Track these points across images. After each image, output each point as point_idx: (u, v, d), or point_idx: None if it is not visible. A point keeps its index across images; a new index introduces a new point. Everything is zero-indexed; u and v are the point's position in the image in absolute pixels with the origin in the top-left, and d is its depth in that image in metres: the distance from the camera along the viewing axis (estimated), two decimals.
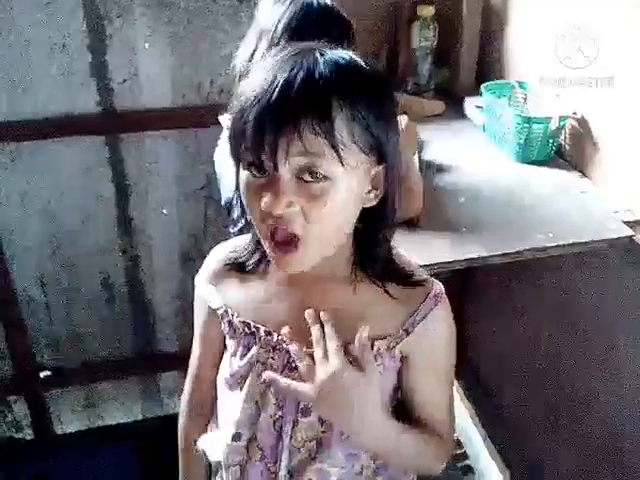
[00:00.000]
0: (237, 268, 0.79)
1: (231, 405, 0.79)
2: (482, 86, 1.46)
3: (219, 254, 0.82)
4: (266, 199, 0.62)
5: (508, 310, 1.70)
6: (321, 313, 0.70)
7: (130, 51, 1.57)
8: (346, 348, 0.70)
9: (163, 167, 1.74)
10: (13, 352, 1.85)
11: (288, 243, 0.65)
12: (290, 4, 1.03)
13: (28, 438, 2.00)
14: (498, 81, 1.51)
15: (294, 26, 1.01)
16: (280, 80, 0.59)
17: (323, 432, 0.75)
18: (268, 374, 0.71)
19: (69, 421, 2.04)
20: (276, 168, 0.61)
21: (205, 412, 0.88)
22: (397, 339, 0.74)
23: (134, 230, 1.80)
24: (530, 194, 1.28)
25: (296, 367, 0.71)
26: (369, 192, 0.68)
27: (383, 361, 0.74)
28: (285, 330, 0.71)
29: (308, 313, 0.70)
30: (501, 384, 1.80)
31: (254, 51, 1.06)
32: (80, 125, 1.62)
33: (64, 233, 1.76)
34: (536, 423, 1.62)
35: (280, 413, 0.76)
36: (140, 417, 2.09)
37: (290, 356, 0.73)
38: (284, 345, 0.73)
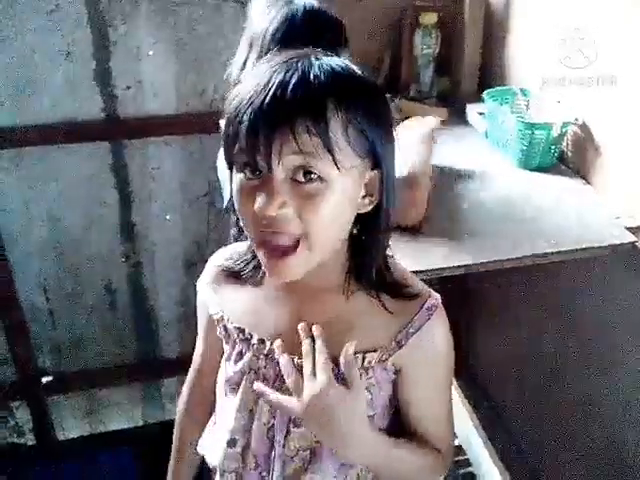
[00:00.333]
0: (234, 275, 0.79)
1: (227, 410, 0.79)
2: (484, 93, 1.47)
3: (218, 260, 0.83)
4: (260, 199, 0.61)
5: (509, 316, 1.69)
6: (313, 327, 0.70)
7: (134, 58, 1.58)
8: (337, 360, 0.70)
9: (166, 173, 1.75)
10: (15, 357, 1.85)
11: (284, 248, 0.64)
12: (280, 9, 1.03)
13: (30, 443, 2.00)
14: (500, 87, 1.52)
15: (282, 33, 1.01)
16: (275, 82, 0.60)
17: (317, 442, 0.75)
18: (258, 386, 0.71)
19: (71, 426, 2.04)
20: (270, 168, 0.61)
21: (203, 411, 0.88)
22: (389, 351, 0.72)
23: (137, 236, 1.81)
24: (532, 200, 1.28)
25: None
26: (364, 197, 0.67)
27: (374, 374, 0.73)
28: (278, 343, 0.71)
29: (301, 327, 0.70)
30: (502, 390, 1.79)
31: (246, 59, 1.06)
32: (84, 131, 1.63)
33: (67, 239, 1.76)
34: (537, 429, 1.61)
35: (273, 421, 0.76)
36: (141, 423, 2.09)
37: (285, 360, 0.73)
38: (276, 354, 0.73)
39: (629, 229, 1.16)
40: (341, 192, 0.63)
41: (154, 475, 1.79)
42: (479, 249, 1.12)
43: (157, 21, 1.56)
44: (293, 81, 0.59)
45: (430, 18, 1.61)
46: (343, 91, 0.62)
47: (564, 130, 1.34)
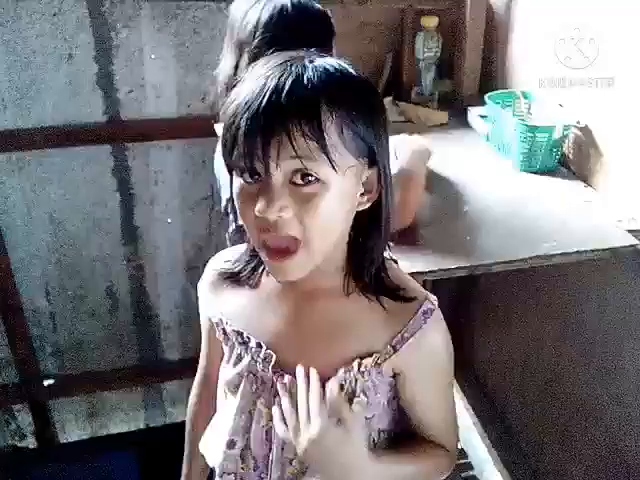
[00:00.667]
0: (233, 278, 0.79)
1: (226, 412, 0.80)
2: (486, 96, 1.47)
3: (217, 263, 0.83)
4: (259, 204, 0.62)
5: (512, 318, 1.69)
6: (310, 370, 0.71)
7: (136, 61, 1.59)
8: (334, 367, 0.71)
9: (168, 177, 1.75)
10: (17, 360, 1.86)
11: (285, 249, 0.64)
12: (262, 9, 1.02)
13: (32, 446, 2.00)
14: (501, 90, 1.52)
15: (275, 25, 1.00)
16: (270, 86, 0.60)
17: None
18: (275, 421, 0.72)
19: (73, 429, 2.04)
20: (268, 173, 0.62)
21: (211, 412, 0.88)
22: (385, 356, 0.72)
23: (139, 239, 1.81)
24: (534, 203, 1.28)
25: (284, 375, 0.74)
26: (362, 195, 0.68)
27: (370, 377, 0.73)
28: (273, 361, 0.74)
29: (298, 370, 0.71)
30: (503, 393, 1.79)
31: (237, 63, 1.06)
32: (86, 134, 1.64)
33: (69, 242, 1.77)
34: (539, 432, 1.61)
35: (271, 424, 0.75)
36: (143, 426, 2.09)
37: (279, 368, 0.74)
38: (272, 359, 0.74)
39: (630, 232, 1.16)
40: (339, 192, 0.64)
41: (156, 478, 1.80)
42: (480, 251, 1.12)
43: (159, 25, 1.56)
44: (287, 86, 0.60)
45: (431, 21, 1.61)
46: (337, 93, 0.62)
47: (565, 133, 1.34)
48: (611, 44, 1.18)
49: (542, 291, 1.51)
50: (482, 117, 1.55)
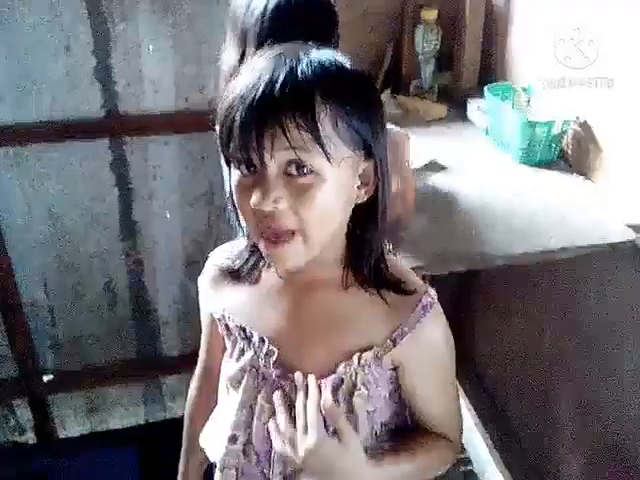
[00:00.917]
0: (233, 273, 0.79)
1: (228, 407, 0.80)
2: (485, 88, 1.46)
3: (217, 258, 0.83)
4: (254, 196, 0.62)
5: (511, 313, 1.69)
6: (309, 378, 0.72)
7: (134, 54, 1.58)
8: (335, 360, 0.72)
9: (166, 171, 1.74)
10: (16, 355, 1.85)
11: (282, 235, 0.65)
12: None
13: (31, 442, 2.00)
14: (501, 84, 1.51)
15: (278, 21, 0.99)
16: (264, 79, 0.61)
17: None
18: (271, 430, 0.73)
19: (72, 425, 2.04)
20: (263, 164, 0.62)
21: (211, 406, 0.88)
22: (384, 349, 0.72)
23: (137, 234, 1.81)
24: (533, 197, 1.28)
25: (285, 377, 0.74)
26: (359, 188, 0.68)
27: (371, 370, 0.73)
28: (274, 357, 0.74)
29: (296, 377, 0.72)
30: (503, 387, 1.79)
31: (243, 52, 1.04)
32: (84, 129, 1.63)
33: (68, 236, 1.76)
34: (538, 426, 1.61)
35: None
36: (143, 421, 2.09)
37: (281, 364, 0.75)
38: (275, 354, 0.75)
39: (630, 226, 1.16)
40: (335, 184, 0.64)
41: (155, 473, 1.80)
42: (479, 246, 1.12)
43: (157, 17, 1.55)
44: (281, 78, 0.61)
45: (431, 14, 1.61)
46: (331, 85, 0.63)
47: (565, 127, 1.34)
48: (611, 44, 1.18)
49: (541, 286, 1.51)
50: (481, 110, 1.55)
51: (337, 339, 0.73)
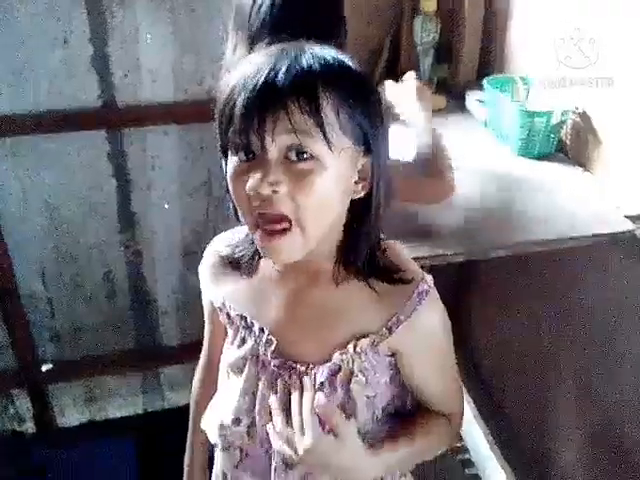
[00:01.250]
0: (233, 263, 0.80)
1: (230, 392, 0.81)
2: (484, 80, 1.46)
3: (217, 246, 0.84)
4: (252, 179, 0.62)
5: (509, 303, 1.70)
6: (304, 380, 0.73)
7: (132, 44, 1.57)
8: (332, 349, 0.73)
9: (165, 162, 1.74)
10: (15, 345, 1.86)
11: (278, 224, 0.64)
12: None
13: (30, 431, 2.01)
14: (500, 75, 1.51)
15: (287, 15, 0.98)
16: (267, 66, 0.62)
17: None
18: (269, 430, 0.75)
19: (71, 414, 2.05)
20: (263, 148, 0.62)
21: (217, 387, 0.89)
22: (381, 337, 0.73)
23: (136, 225, 1.81)
24: (532, 188, 1.28)
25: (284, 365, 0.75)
26: (356, 183, 0.68)
27: (367, 357, 0.74)
28: (272, 347, 0.76)
29: (293, 380, 0.74)
30: (500, 376, 1.80)
31: (235, 46, 1.04)
32: (81, 119, 1.62)
33: (66, 227, 1.76)
34: (535, 414, 1.62)
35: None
36: (142, 410, 2.10)
37: (280, 355, 0.76)
38: (273, 344, 0.76)
39: (628, 217, 1.16)
40: (333, 173, 0.64)
41: (154, 462, 1.81)
42: (478, 237, 1.12)
43: (155, 5, 1.54)
44: (285, 65, 0.61)
45: (430, 5, 1.60)
46: (334, 78, 0.64)
47: (564, 118, 1.34)
48: (611, 43, 1.17)
49: (540, 276, 1.52)
50: (480, 102, 1.55)
51: (333, 329, 0.74)
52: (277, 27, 0.98)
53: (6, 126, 1.58)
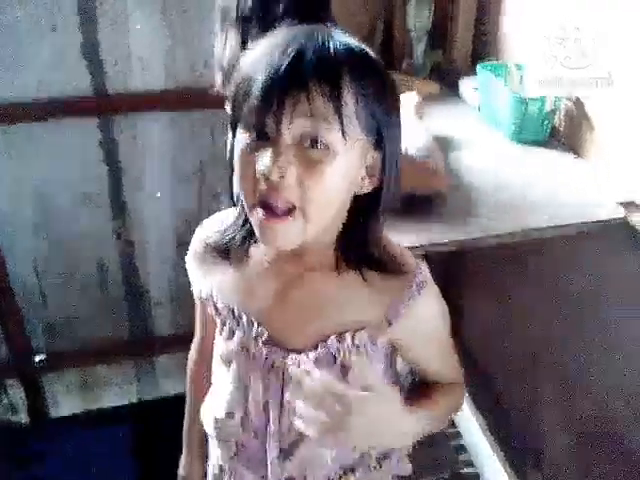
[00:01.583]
0: (221, 250, 0.77)
1: (222, 383, 0.81)
2: (478, 66, 1.45)
3: (203, 233, 0.81)
4: (262, 161, 0.61)
5: (500, 291, 1.70)
6: (301, 372, 0.69)
7: (122, 32, 1.55)
8: (326, 340, 0.72)
9: (156, 150, 1.73)
10: (8, 336, 1.85)
11: (280, 212, 0.63)
12: None
13: (24, 421, 2.01)
14: (494, 61, 1.50)
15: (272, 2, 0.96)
16: (295, 46, 0.60)
17: None
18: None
19: (65, 404, 2.05)
20: (279, 130, 0.61)
21: (209, 379, 0.88)
22: (379, 329, 0.73)
23: (128, 214, 1.80)
24: (524, 175, 1.27)
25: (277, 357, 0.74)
26: (363, 179, 0.67)
27: (366, 349, 0.74)
28: (263, 338, 0.74)
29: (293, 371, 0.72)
30: (492, 362, 1.81)
31: (225, 44, 1.00)
32: (72, 107, 1.61)
33: (57, 217, 1.75)
34: (526, 400, 1.63)
35: (267, 397, 0.77)
36: (136, 400, 2.10)
37: (272, 344, 0.75)
38: (262, 341, 0.75)
39: (620, 204, 1.16)
40: (344, 164, 0.63)
41: (150, 451, 1.82)
42: (470, 225, 1.12)
43: None
44: (312, 48, 0.60)
45: None
46: (359, 65, 0.63)
47: (557, 104, 1.34)
48: (611, 44, 1.16)
49: (531, 264, 1.52)
50: (474, 88, 1.54)
51: (328, 320, 0.74)
52: (266, 18, 0.96)
53: None
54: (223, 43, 1.03)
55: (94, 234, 1.80)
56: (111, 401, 2.08)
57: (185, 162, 1.76)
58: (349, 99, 0.61)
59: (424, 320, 0.75)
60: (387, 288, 0.72)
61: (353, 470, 0.83)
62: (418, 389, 0.82)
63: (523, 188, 1.23)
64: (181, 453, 1.03)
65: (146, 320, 1.99)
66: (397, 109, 0.68)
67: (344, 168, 0.63)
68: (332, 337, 0.73)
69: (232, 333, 0.78)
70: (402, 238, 0.93)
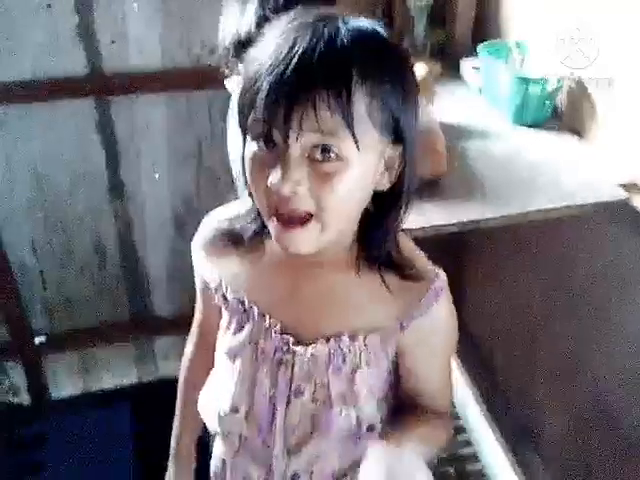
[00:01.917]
0: (232, 240, 0.75)
1: (227, 378, 0.78)
2: (479, 46, 1.44)
3: (214, 222, 0.78)
4: (273, 177, 0.58)
5: (500, 272, 1.70)
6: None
7: (118, 11, 1.53)
8: (337, 336, 0.70)
9: (154, 131, 1.72)
10: (7, 318, 1.85)
11: (297, 219, 0.61)
12: None
13: (25, 403, 2.02)
14: (495, 41, 1.48)
15: None
16: (300, 48, 0.56)
17: (318, 412, 0.74)
18: None
19: (65, 385, 2.06)
20: (286, 143, 0.58)
21: (206, 369, 0.86)
22: (391, 333, 0.72)
23: (126, 195, 1.79)
24: (526, 156, 1.27)
25: (287, 351, 0.72)
26: (382, 174, 0.64)
27: (375, 352, 0.72)
28: (274, 334, 0.72)
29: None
30: (491, 344, 1.82)
31: (263, 16, 0.98)
32: (67, 87, 1.59)
33: (55, 198, 1.74)
34: (525, 383, 1.64)
35: (274, 391, 0.75)
36: (136, 381, 2.11)
37: (282, 339, 0.73)
38: (274, 331, 0.73)
39: (622, 186, 1.16)
40: (359, 171, 0.60)
41: (148, 432, 1.83)
42: (470, 206, 1.11)
43: None
44: (318, 50, 0.56)
45: None
46: (371, 61, 0.58)
47: (559, 85, 1.32)
48: (611, 44, 1.15)
49: (531, 246, 1.52)
50: (475, 69, 1.52)
51: (341, 318, 0.72)
52: None
53: None
54: (239, 14, 1.00)
55: (92, 215, 1.79)
56: (111, 382, 2.09)
57: (183, 142, 1.75)
58: (360, 102, 0.57)
59: (436, 329, 0.73)
60: (404, 292, 0.70)
61: (359, 465, 0.82)
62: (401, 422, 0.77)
63: (524, 170, 1.22)
64: None
65: (146, 300, 2.00)
66: (415, 96, 0.64)
67: (359, 175, 0.60)
68: (345, 335, 0.71)
69: (241, 327, 0.75)
70: None
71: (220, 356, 0.80)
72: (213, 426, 0.82)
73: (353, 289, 0.72)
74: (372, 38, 0.60)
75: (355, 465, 0.78)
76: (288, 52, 0.56)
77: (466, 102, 1.49)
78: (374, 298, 0.71)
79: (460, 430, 1.90)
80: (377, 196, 0.66)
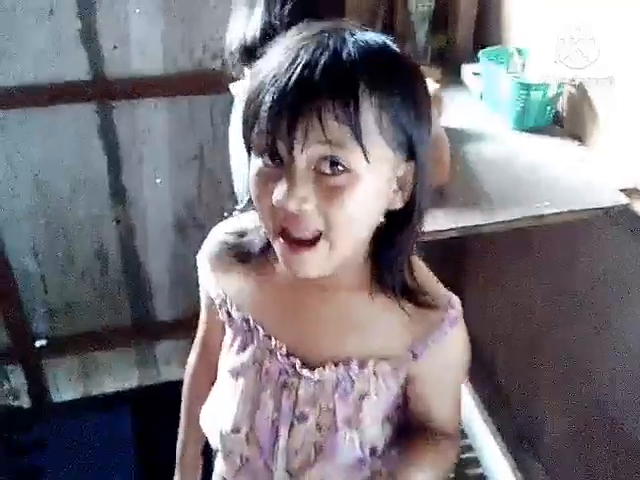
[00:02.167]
0: (239, 255, 0.72)
1: (229, 397, 0.76)
2: (480, 52, 1.44)
3: (220, 235, 0.75)
4: (278, 192, 0.56)
5: (502, 277, 1.70)
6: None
7: (121, 16, 1.54)
8: (346, 361, 0.69)
9: (155, 135, 1.72)
10: (8, 322, 1.85)
11: (306, 240, 0.58)
12: None
13: (26, 406, 2.02)
14: (496, 47, 1.49)
15: None
16: (303, 59, 0.54)
17: (322, 438, 0.72)
18: None
19: (66, 389, 2.06)
20: (292, 156, 0.55)
21: (209, 380, 0.84)
22: (403, 361, 0.69)
23: (127, 199, 1.79)
24: (527, 161, 1.27)
25: (293, 374, 0.70)
26: (395, 192, 0.61)
27: (385, 380, 0.70)
28: (280, 356, 0.70)
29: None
30: (492, 347, 1.81)
31: (269, 24, 0.98)
32: (70, 92, 1.59)
33: (56, 203, 1.74)
34: (526, 385, 1.64)
35: (277, 415, 0.73)
36: (137, 385, 2.11)
37: (288, 362, 0.71)
38: (280, 353, 0.71)
39: (622, 191, 1.16)
40: (370, 186, 0.57)
41: (149, 436, 1.83)
42: (474, 211, 1.11)
43: None
44: (323, 60, 0.53)
45: None
46: (379, 74, 0.56)
47: (560, 90, 1.32)
48: (611, 43, 1.15)
49: (533, 250, 1.52)
50: (476, 74, 1.53)
51: (350, 342, 0.69)
52: None
53: None
54: (246, 19, 1.00)
55: (94, 220, 1.79)
56: (112, 386, 2.09)
57: (184, 147, 1.75)
58: (369, 116, 0.55)
59: (450, 358, 0.71)
60: (418, 319, 0.68)
61: None
62: (406, 450, 0.76)
63: (525, 175, 1.22)
64: None
65: (147, 305, 2.00)
66: (428, 111, 0.61)
67: (370, 190, 0.57)
68: (354, 362, 0.69)
69: (245, 346, 0.73)
70: None
71: (223, 373, 0.78)
72: (215, 443, 0.80)
73: (364, 312, 0.69)
74: (381, 50, 0.58)
75: None
76: (291, 63, 0.54)
77: (467, 107, 1.49)
78: (386, 323, 0.69)
79: (461, 433, 1.89)
80: (388, 214, 0.63)
